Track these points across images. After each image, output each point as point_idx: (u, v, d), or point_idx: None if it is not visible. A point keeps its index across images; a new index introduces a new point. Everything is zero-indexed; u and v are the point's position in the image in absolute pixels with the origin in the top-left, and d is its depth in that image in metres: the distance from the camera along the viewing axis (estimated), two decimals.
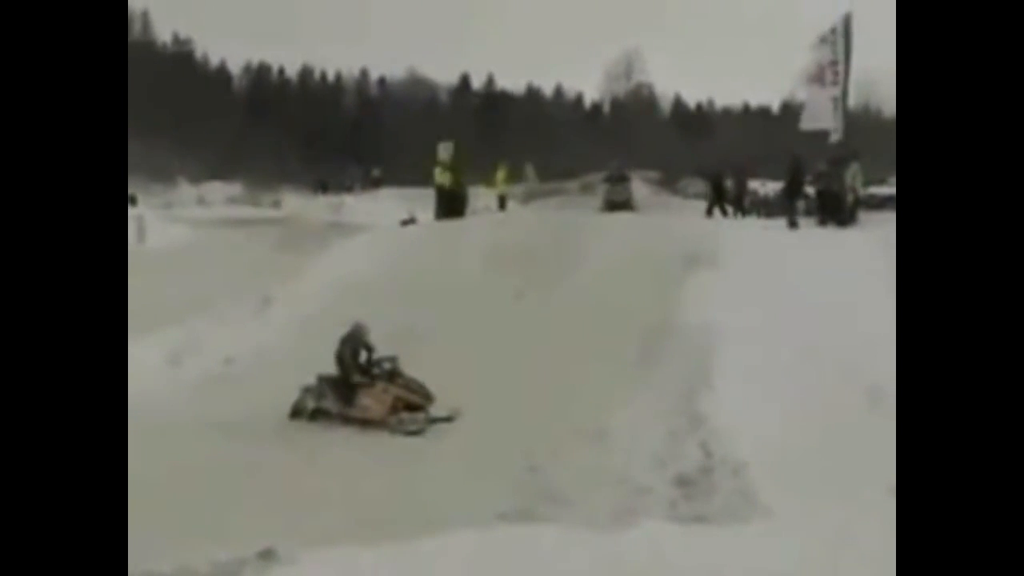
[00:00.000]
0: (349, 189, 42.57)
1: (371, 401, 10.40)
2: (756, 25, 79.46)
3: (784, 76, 75.77)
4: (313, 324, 12.26)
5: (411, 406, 10.32)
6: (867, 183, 18.07)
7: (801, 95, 21.19)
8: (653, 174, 33.63)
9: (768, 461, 7.95)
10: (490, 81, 65.42)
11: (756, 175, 24.85)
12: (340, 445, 9.73)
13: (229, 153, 48.96)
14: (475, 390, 10.17)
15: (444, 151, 18.79)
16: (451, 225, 16.85)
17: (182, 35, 62.72)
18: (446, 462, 8.98)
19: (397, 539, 6.72)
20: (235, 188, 43.90)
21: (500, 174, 23.53)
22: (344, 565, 6.39)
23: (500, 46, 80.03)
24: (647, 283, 11.95)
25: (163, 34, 62.13)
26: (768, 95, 71.12)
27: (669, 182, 34.55)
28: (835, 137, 16.71)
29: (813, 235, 14.92)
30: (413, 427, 10.12)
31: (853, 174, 15.92)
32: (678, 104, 66.49)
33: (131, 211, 23.49)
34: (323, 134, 56.44)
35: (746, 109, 63.88)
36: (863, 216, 15.91)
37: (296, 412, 10.55)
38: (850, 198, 15.90)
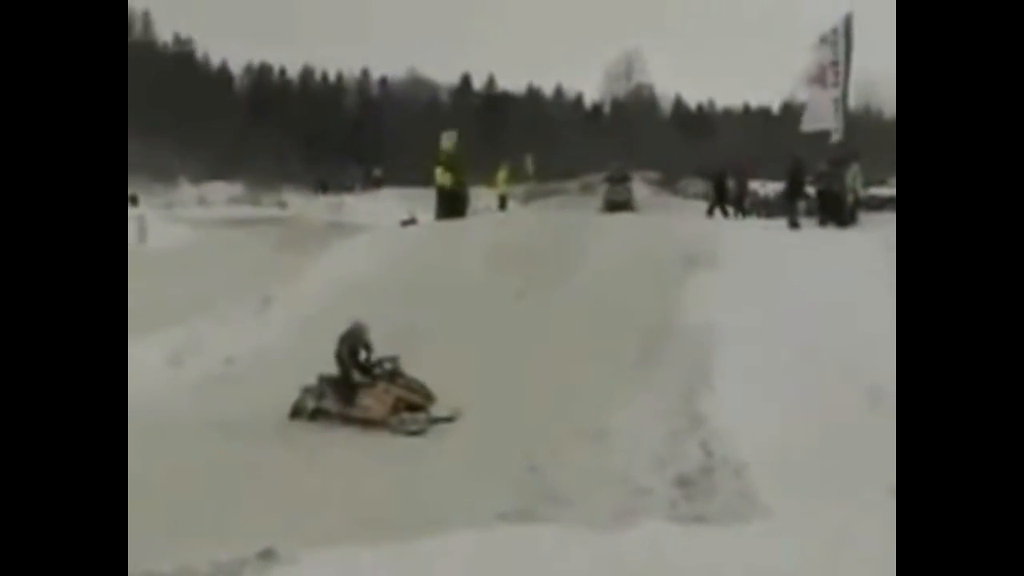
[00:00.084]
0: (350, 189, 42.58)
1: (372, 401, 10.40)
2: (756, 25, 79.47)
3: (785, 76, 75.71)
4: (314, 324, 12.25)
5: (412, 406, 10.32)
6: (867, 184, 18.10)
7: (802, 96, 21.25)
8: (653, 174, 33.68)
9: (768, 461, 7.96)
10: (491, 81, 65.55)
11: (756, 176, 24.89)
12: (341, 445, 9.73)
13: (230, 153, 48.95)
14: (475, 390, 10.17)
15: (448, 140, 18.73)
16: (452, 225, 16.83)
17: (183, 35, 62.83)
18: (446, 462, 8.98)
19: (397, 539, 6.73)
20: (236, 188, 43.91)
21: (501, 174, 23.55)
22: (344, 565, 6.40)
23: (501, 46, 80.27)
24: (647, 283, 11.95)
25: (164, 34, 62.27)
26: (768, 96, 71.03)
27: (669, 182, 34.59)
28: (836, 138, 16.72)
29: (813, 236, 14.92)
30: (414, 427, 10.11)
31: (853, 175, 15.92)
32: (678, 104, 66.53)
33: (133, 211, 23.53)
34: (324, 134, 56.46)
35: (746, 109, 63.97)
36: (863, 217, 15.91)
37: (297, 412, 10.55)
38: (850, 199, 15.91)
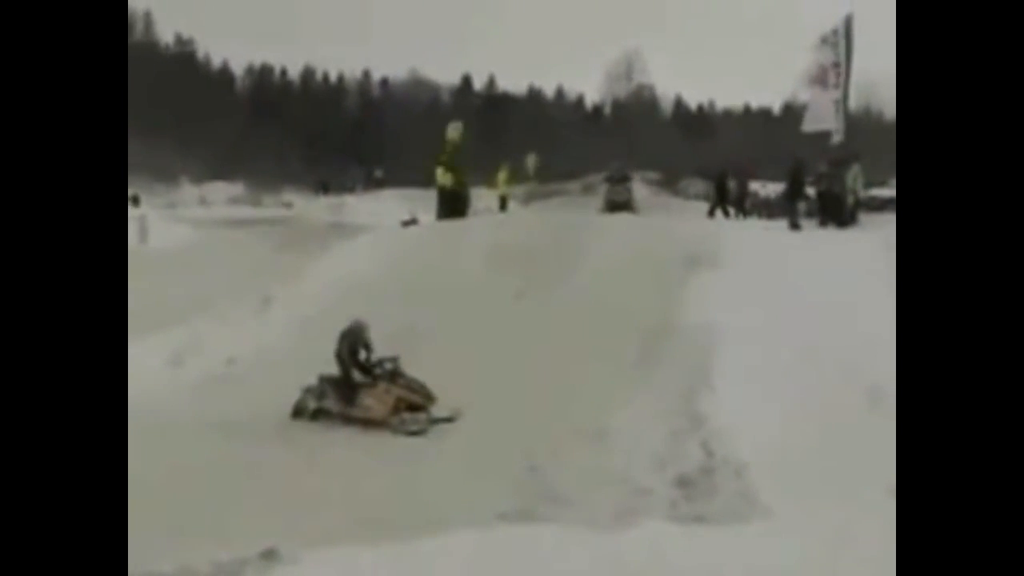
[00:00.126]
0: (351, 190, 42.67)
1: (373, 401, 10.40)
2: (757, 26, 79.52)
3: (785, 77, 75.87)
4: (314, 324, 12.25)
5: (413, 406, 10.33)
6: (868, 185, 18.11)
7: (803, 96, 21.24)
8: (654, 175, 33.73)
9: (768, 461, 7.96)
10: (491, 82, 65.61)
11: (757, 176, 24.90)
12: (341, 445, 9.73)
13: (231, 153, 49.01)
14: (476, 390, 10.18)
15: (454, 130, 18.72)
16: (452, 225, 16.83)
17: (184, 36, 62.90)
18: (446, 462, 8.98)
19: (398, 539, 6.73)
20: (237, 188, 44.02)
21: (501, 175, 23.54)
22: (345, 565, 6.41)
23: (501, 47, 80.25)
24: (648, 283, 11.96)
25: (165, 35, 62.37)
26: (769, 96, 71.27)
27: (670, 183, 34.63)
28: (836, 139, 16.73)
29: (814, 236, 14.93)
30: (415, 427, 10.12)
31: (854, 176, 15.94)
32: (679, 105, 66.55)
33: (134, 211, 23.60)
34: (325, 135, 56.51)
35: (747, 110, 64.00)
36: (864, 218, 15.93)
37: (297, 412, 10.56)
38: (851, 200, 15.93)
